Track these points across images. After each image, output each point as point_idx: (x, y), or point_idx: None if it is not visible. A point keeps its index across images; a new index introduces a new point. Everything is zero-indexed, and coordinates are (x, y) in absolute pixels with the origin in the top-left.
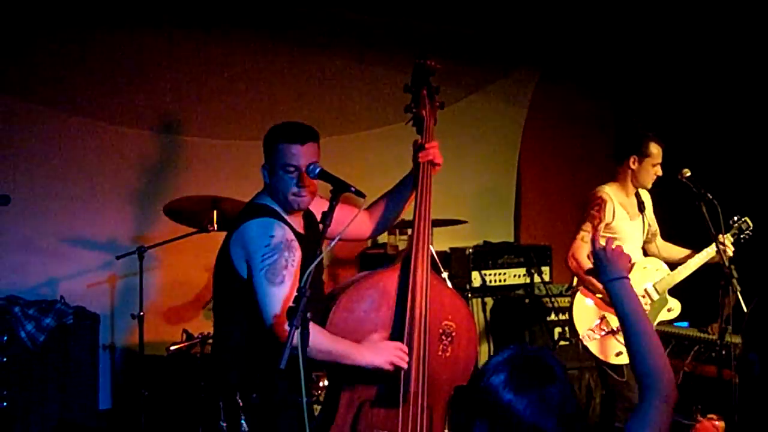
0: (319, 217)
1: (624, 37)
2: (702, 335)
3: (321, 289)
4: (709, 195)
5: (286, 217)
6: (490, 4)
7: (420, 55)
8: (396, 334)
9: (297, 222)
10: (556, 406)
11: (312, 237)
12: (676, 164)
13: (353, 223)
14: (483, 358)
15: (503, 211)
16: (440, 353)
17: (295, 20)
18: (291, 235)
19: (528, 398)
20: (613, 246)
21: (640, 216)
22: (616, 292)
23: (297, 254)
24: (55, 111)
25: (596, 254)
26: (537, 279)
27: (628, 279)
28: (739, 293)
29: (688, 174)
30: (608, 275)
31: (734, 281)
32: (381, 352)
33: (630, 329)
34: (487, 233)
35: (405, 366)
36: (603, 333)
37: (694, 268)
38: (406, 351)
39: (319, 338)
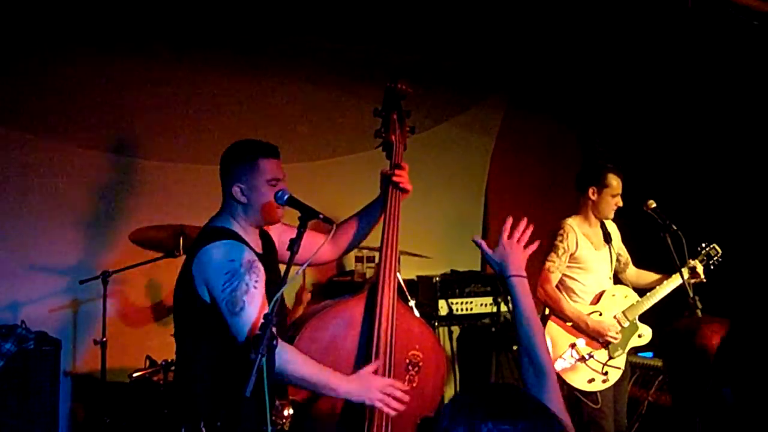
0: (276, 239)
1: (591, 67)
2: None
3: (283, 316)
4: (673, 226)
5: (245, 238)
6: (460, 35)
7: (391, 79)
8: (361, 365)
9: (255, 242)
10: None
11: (269, 258)
12: (644, 193)
13: (311, 246)
14: (449, 386)
15: (470, 239)
16: (406, 384)
17: (267, 46)
18: (252, 256)
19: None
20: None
21: (606, 246)
22: (516, 287)
23: (260, 274)
24: (11, 131)
25: (501, 248)
26: (503, 308)
27: (526, 278)
28: None
29: (654, 206)
30: (511, 271)
31: (698, 312)
32: (372, 390)
33: (525, 324)
34: (454, 262)
35: (393, 412)
36: (574, 360)
37: (663, 295)
38: (404, 388)
39: (299, 363)
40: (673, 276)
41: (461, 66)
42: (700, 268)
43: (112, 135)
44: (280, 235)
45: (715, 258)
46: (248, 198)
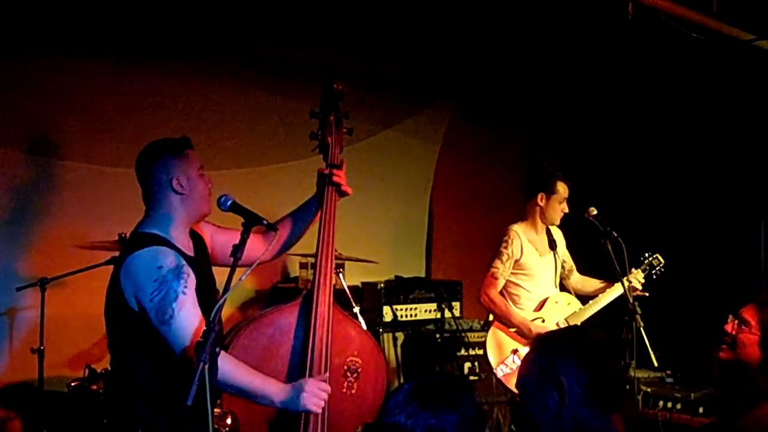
0: (207, 240)
1: (537, 75)
2: None
3: (221, 325)
4: (614, 233)
5: (174, 242)
6: (405, 41)
7: (327, 78)
8: (296, 372)
9: (186, 245)
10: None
11: (200, 259)
12: (587, 199)
13: (247, 249)
14: None
15: (415, 246)
16: (345, 390)
17: (205, 48)
18: (180, 260)
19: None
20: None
21: (551, 253)
22: None
23: (189, 279)
24: None
25: None
26: (447, 314)
27: None
28: (642, 329)
29: (595, 212)
30: None
31: (638, 317)
32: (311, 395)
33: None
34: (399, 268)
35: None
36: (516, 366)
37: (605, 303)
38: (328, 390)
39: (232, 369)
40: (616, 285)
41: (406, 72)
42: (640, 277)
43: (35, 135)
44: (212, 235)
45: (658, 268)
46: (187, 189)
